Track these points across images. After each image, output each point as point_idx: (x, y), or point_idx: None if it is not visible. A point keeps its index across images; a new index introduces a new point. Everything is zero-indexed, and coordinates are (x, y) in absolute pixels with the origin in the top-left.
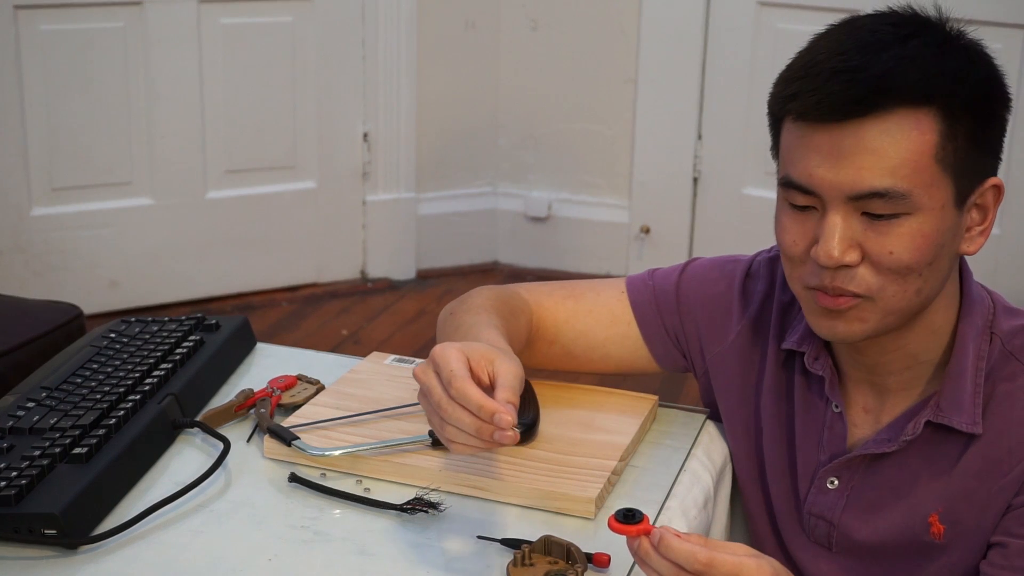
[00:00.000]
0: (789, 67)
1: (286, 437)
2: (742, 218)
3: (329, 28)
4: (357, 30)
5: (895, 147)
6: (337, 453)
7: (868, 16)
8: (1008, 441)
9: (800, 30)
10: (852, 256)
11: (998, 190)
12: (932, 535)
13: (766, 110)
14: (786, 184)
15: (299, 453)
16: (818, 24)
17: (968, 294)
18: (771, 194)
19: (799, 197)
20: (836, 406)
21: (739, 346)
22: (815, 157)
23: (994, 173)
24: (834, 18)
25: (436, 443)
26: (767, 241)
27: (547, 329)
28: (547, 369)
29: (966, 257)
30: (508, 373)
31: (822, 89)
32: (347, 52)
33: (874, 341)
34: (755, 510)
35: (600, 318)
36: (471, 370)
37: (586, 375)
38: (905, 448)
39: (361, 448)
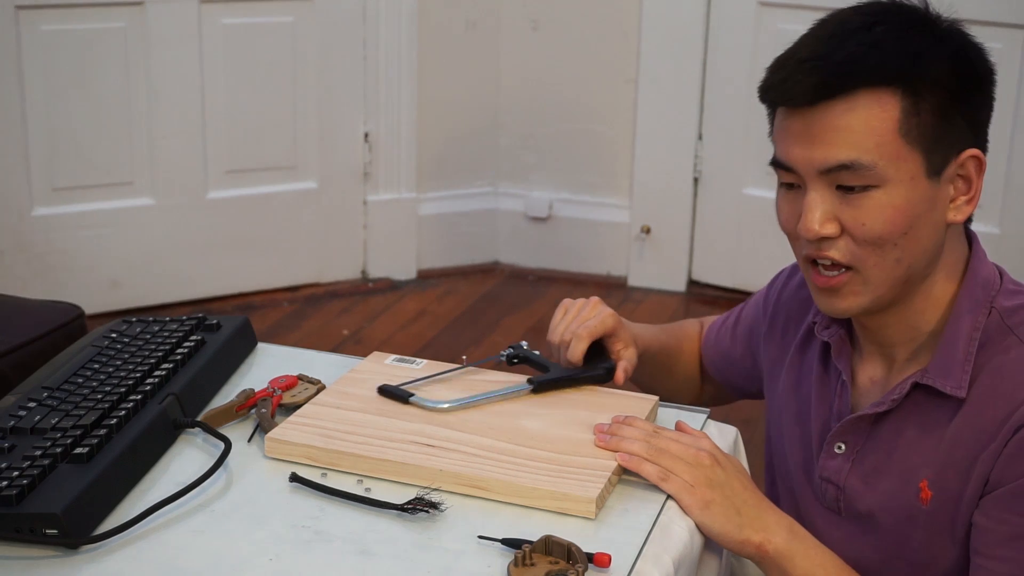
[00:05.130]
0: (773, 61)
1: (402, 395)
2: (743, 218)
3: (330, 28)
4: (358, 30)
5: (859, 124)
6: (445, 406)
7: (847, 8)
8: (992, 412)
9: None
10: (830, 228)
11: (978, 161)
12: (920, 500)
13: (766, 109)
14: (774, 163)
15: (299, 453)
16: None
17: (972, 268)
18: (772, 194)
19: (784, 175)
20: (843, 375)
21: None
22: (792, 139)
23: (974, 145)
24: None
25: (536, 390)
26: (768, 241)
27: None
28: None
29: (978, 236)
30: (593, 325)
31: (791, 78)
32: (348, 52)
33: (878, 315)
34: (780, 475)
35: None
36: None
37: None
38: (902, 413)
39: (467, 401)
